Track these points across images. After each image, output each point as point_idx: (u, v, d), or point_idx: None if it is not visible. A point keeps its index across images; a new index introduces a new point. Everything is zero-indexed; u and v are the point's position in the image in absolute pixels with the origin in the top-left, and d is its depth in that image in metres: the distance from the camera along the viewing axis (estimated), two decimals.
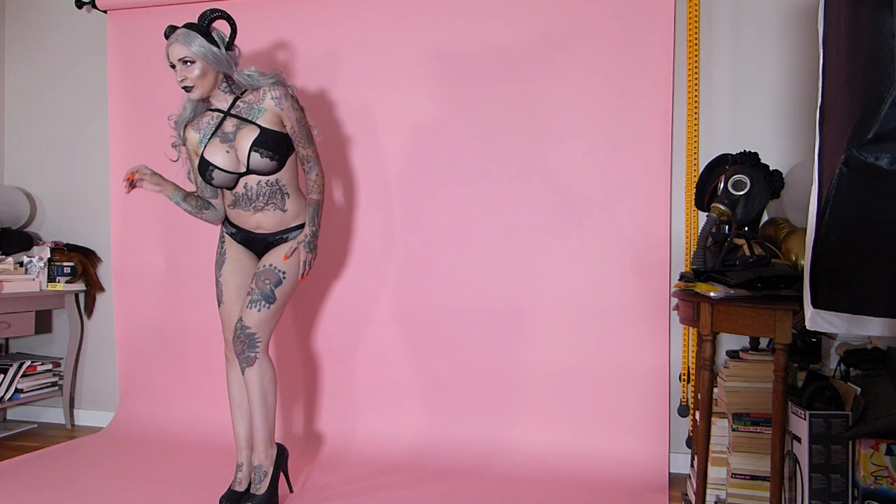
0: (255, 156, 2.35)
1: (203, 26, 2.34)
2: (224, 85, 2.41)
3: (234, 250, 2.51)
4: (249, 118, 2.38)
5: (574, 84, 3.01)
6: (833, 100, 1.62)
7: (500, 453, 2.98)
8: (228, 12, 2.41)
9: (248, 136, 2.36)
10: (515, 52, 3.07)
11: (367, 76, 3.22)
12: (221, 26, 2.42)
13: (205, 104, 2.47)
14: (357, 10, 3.24)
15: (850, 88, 1.51)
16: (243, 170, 2.38)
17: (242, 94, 2.43)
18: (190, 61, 2.31)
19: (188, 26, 2.34)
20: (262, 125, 2.37)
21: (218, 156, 2.38)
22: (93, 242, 3.71)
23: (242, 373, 2.39)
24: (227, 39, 2.40)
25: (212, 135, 2.41)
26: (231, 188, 2.42)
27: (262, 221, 2.44)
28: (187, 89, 2.35)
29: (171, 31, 2.36)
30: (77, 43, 3.73)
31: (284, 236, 2.47)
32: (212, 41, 2.33)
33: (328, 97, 3.26)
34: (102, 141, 3.66)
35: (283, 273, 2.40)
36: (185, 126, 2.47)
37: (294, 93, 2.44)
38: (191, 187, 2.57)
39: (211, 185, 2.43)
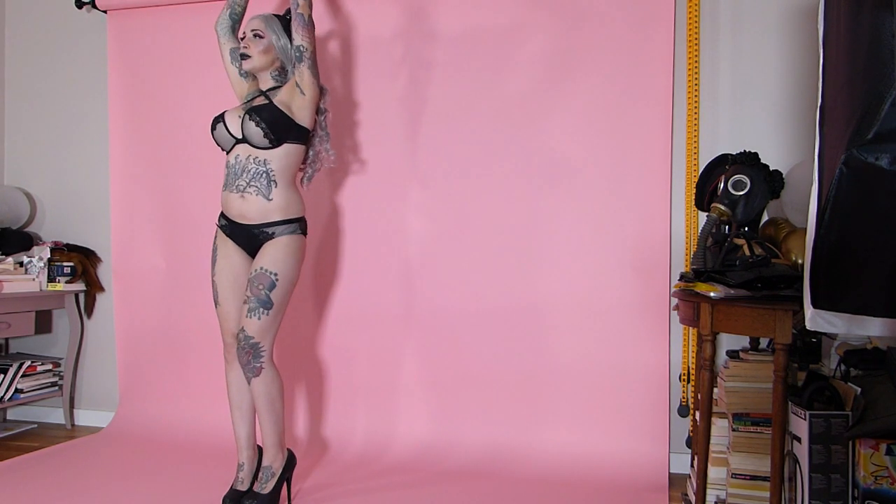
0: (251, 123, 2.37)
1: (286, 18, 2.53)
2: (276, 73, 2.54)
3: (225, 247, 2.50)
4: (272, 97, 2.47)
5: (574, 84, 3.01)
6: (833, 100, 1.62)
7: (501, 453, 2.98)
8: None
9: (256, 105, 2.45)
10: (516, 52, 3.07)
11: (366, 72, 3.22)
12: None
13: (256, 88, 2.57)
14: (357, 1, 3.24)
15: (850, 88, 1.51)
16: (239, 136, 2.42)
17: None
18: (260, 35, 2.48)
19: (275, 15, 2.55)
20: (272, 99, 2.45)
21: (232, 115, 2.47)
22: (93, 242, 3.71)
23: (248, 383, 2.38)
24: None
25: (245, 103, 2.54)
26: (226, 151, 2.47)
27: (245, 209, 2.40)
28: (243, 56, 2.48)
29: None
30: (77, 43, 3.73)
31: (269, 230, 2.41)
32: (286, 34, 2.51)
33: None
34: (102, 141, 3.66)
35: (276, 275, 2.36)
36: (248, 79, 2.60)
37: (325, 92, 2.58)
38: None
39: (212, 136, 2.48)
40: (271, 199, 2.39)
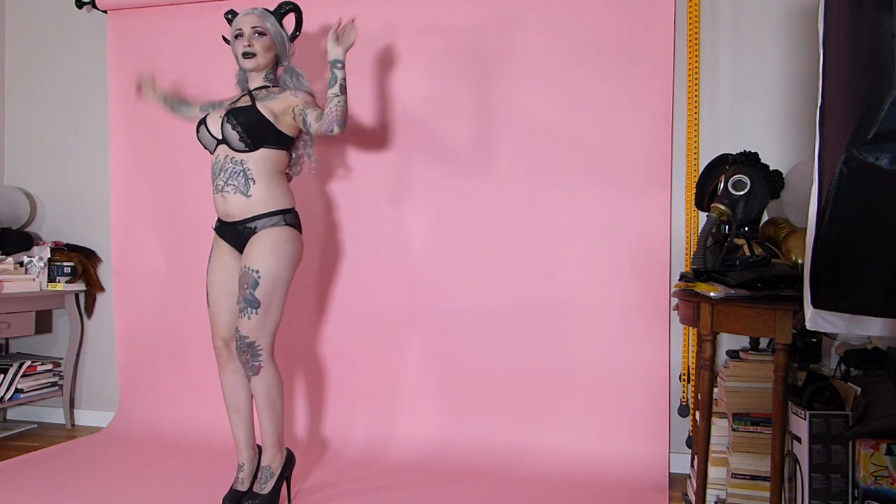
0: (227, 126, 2.38)
1: (279, 13, 2.53)
2: (270, 71, 2.54)
3: (219, 248, 2.51)
4: (256, 99, 2.44)
5: (574, 84, 3.01)
6: (833, 100, 1.62)
7: (501, 453, 2.98)
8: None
9: (238, 107, 2.44)
10: (516, 52, 3.07)
11: (366, 71, 3.22)
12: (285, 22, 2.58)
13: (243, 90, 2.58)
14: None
15: (850, 88, 1.51)
16: (220, 137, 2.43)
17: (273, 86, 2.52)
18: (261, 33, 2.46)
19: (265, 9, 2.52)
20: (257, 105, 2.41)
21: (213, 116, 2.48)
22: (93, 242, 3.71)
23: (249, 381, 2.39)
24: (288, 33, 2.56)
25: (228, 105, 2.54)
26: (210, 151, 2.49)
27: (228, 208, 2.42)
28: (248, 55, 2.45)
29: (233, 14, 2.55)
30: (77, 43, 3.73)
31: (252, 225, 2.40)
32: (279, 24, 2.52)
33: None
34: (102, 141, 3.66)
35: (257, 272, 2.34)
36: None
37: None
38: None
39: (198, 138, 2.50)
40: (250, 196, 2.40)
